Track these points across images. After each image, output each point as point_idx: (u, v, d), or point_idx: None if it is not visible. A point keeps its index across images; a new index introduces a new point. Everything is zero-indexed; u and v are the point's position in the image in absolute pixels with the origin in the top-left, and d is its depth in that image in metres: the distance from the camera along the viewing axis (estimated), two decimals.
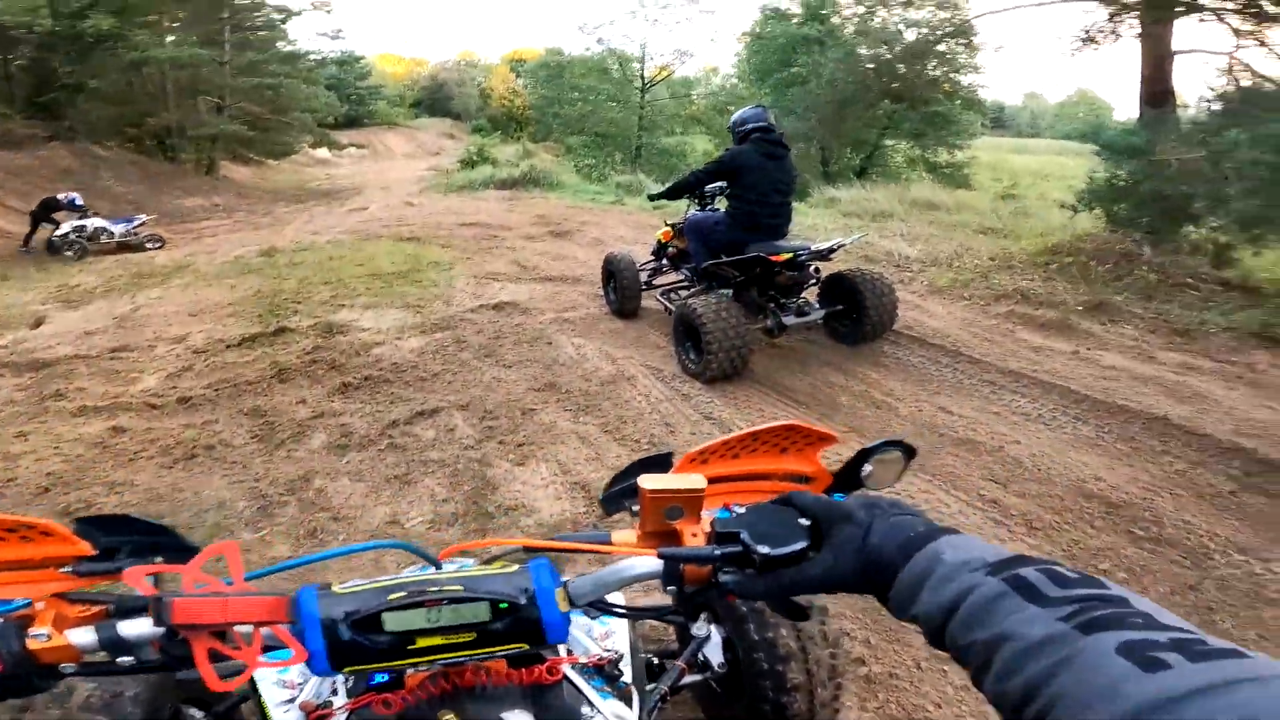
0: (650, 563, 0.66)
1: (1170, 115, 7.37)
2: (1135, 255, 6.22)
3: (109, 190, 15.79)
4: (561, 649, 0.87)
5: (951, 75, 15.63)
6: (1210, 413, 3.69)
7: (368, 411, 3.83)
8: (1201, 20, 7.21)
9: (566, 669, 0.80)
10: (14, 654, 0.58)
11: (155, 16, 18.99)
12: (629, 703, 0.87)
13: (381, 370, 4.34)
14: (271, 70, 22.14)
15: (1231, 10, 6.88)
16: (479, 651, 0.62)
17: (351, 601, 0.60)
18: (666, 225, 5.44)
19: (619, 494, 0.83)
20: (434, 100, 52.27)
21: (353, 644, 0.59)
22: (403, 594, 0.60)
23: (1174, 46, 7.57)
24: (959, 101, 18.48)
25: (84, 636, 0.60)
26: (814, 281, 4.50)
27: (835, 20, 19.78)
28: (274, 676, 0.88)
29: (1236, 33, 6.92)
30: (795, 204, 4.99)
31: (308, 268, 7.34)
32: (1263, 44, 6.79)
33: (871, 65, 12.14)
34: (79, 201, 11.43)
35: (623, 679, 0.91)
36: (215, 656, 0.56)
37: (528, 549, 0.72)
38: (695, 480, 0.67)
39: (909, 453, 0.80)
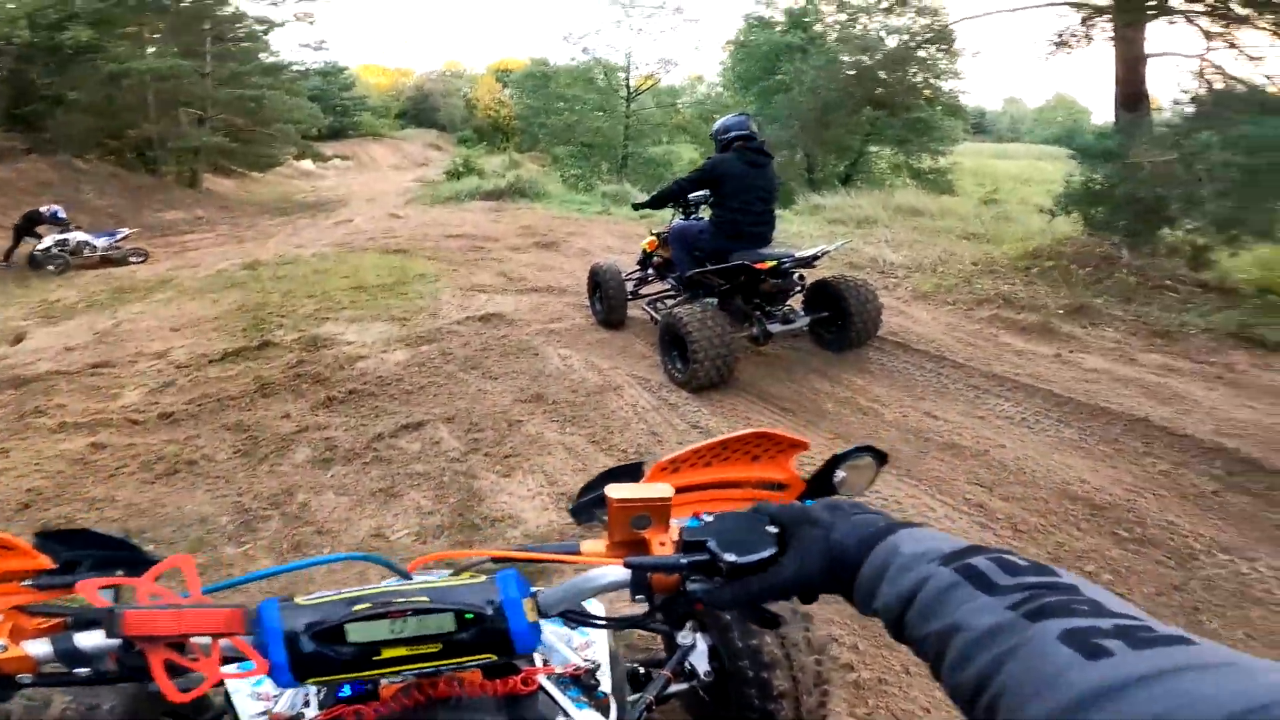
0: (618, 572, 0.66)
1: (1144, 118, 7.41)
2: (1114, 258, 6.29)
3: (89, 203, 15.60)
4: (538, 659, 0.87)
5: (932, 81, 15.82)
6: (1191, 413, 3.74)
7: (352, 425, 3.81)
8: (1171, 23, 7.32)
9: (542, 679, 0.80)
10: None
11: (135, 28, 18.86)
12: (605, 712, 0.88)
13: (366, 384, 4.31)
14: (254, 82, 22.01)
15: (1201, 12, 6.98)
16: (447, 662, 0.62)
17: (314, 613, 0.60)
18: (652, 235, 5.46)
19: (589, 504, 0.83)
20: (419, 111, 52.21)
21: (316, 655, 0.59)
22: (367, 605, 0.61)
23: (1147, 50, 7.64)
24: (940, 108, 18.70)
25: (40, 648, 0.60)
26: (799, 289, 4.53)
27: (818, 28, 19.97)
28: (248, 689, 0.89)
29: (1207, 35, 7.02)
30: (781, 212, 5.03)
31: (292, 281, 7.29)
32: (1233, 45, 6.89)
33: (853, 72, 12.24)
34: (61, 214, 11.23)
35: (600, 689, 0.91)
36: (174, 669, 0.56)
37: (497, 560, 0.72)
38: (662, 489, 0.68)
39: (880, 458, 0.81)
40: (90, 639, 0.59)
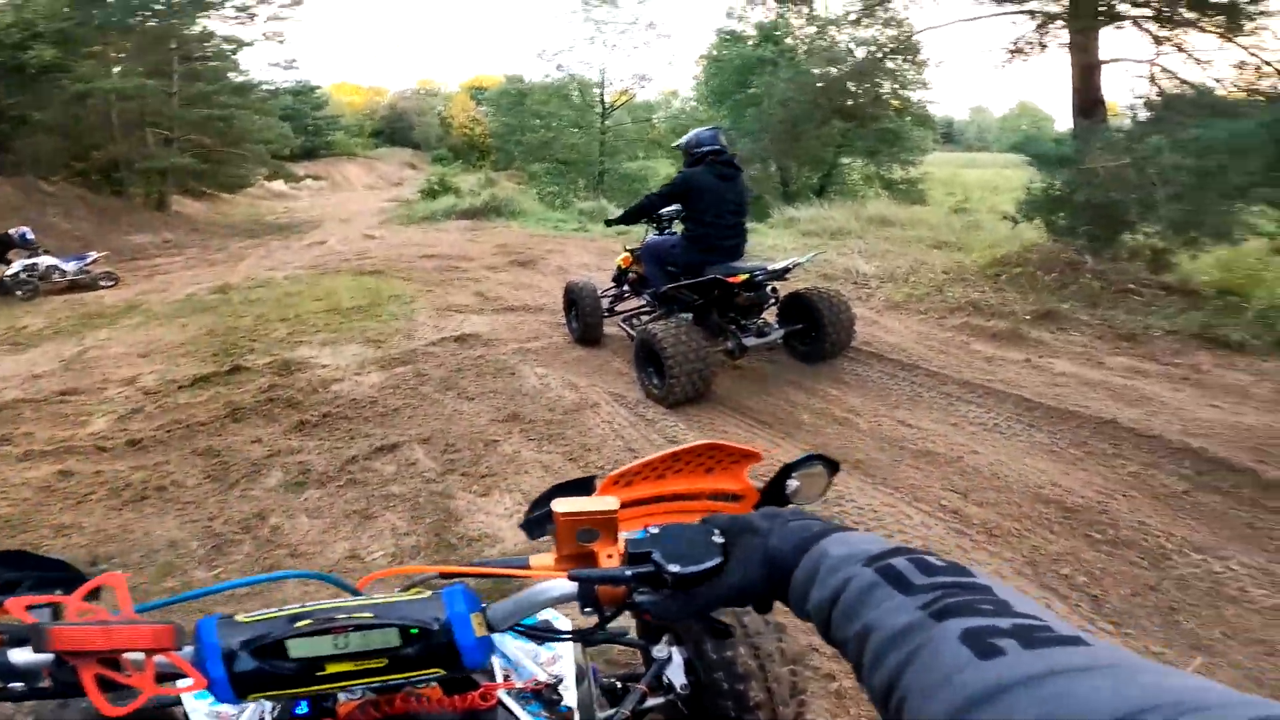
0: (565, 585, 0.66)
1: (1100, 124, 7.47)
2: (1079, 263, 6.39)
3: (56, 227, 15.27)
4: (499, 674, 0.87)
5: (900, 92, 16.06)
6: (1159, 414, 3.81)
7: (326, 448, 3.76)
8: (1119, 28, 7.45)
9: (501, 694, 0.80)
10: None
11: (100, 47, 18.60)
12: None
13: (340, 407, 4.27)
14: (222, 101, 21.72)
15: (1149, 17, 7.13)
16: (395, 677, 0.63)
17: (254, 629, 0.61)
18: (626, 250, 5.48)
19: (539, 519, 0.84)
20: (394, 130, 51.96)
21: (257, 671, 0.59)
22: (309, 622, 0.61)
23: (1101, 56, 7.70)
24: (909, 118, 19.00)
25: None
26: (772, 302, 4.56)
27: (789, 41, 20.22)
28: (205, 708, 0.88)
29: (1156, 39, 7.16)
30: (756, 225, 5.07)
31: (264, 304, 7.21)
32: (1181, 49, 7.04)
33: (821, 84, 12.38)
34: (30, 236, 10.91)
35: (564, 703, 0.91)
36: (107, 685, 0.57)
37: (446, 575, 0.72)
38: (607, 502, 0.68)
39: (832, 466, 0.82)
40: (21, 655, 0.60)
